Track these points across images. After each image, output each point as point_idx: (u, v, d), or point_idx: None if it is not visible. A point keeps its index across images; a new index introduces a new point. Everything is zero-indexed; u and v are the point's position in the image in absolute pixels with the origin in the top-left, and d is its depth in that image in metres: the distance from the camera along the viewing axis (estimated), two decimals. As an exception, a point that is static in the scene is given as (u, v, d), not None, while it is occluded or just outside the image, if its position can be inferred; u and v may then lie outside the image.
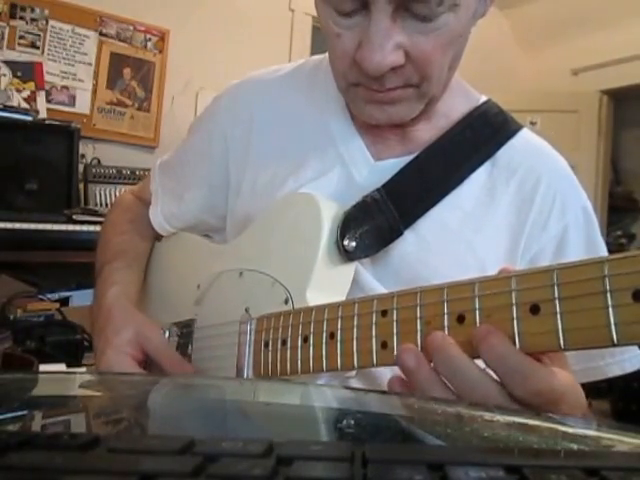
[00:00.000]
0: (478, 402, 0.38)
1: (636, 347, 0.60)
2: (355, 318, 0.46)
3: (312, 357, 0.50)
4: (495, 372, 0.38)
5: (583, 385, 0.54)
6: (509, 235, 0.63)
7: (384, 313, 0.44)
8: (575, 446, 0.25)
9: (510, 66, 3.63)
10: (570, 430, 0.28)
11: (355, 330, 0.46)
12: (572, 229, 0.63)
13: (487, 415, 0.31)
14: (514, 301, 0.37)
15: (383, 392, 0.45)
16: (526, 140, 0.66)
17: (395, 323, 0.43)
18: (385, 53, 0.50)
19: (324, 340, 0.49)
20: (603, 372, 0.60)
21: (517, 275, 0.38)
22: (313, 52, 3.00)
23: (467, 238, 0.62)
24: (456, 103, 0.66)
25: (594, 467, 0.18)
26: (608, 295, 0.33)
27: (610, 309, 0.33)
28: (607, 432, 0.27)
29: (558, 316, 0.35)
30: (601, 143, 3.43)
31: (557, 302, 0.35)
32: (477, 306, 0.39)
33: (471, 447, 0.24)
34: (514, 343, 0.37)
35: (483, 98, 0.68)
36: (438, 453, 0.21)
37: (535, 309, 0.36)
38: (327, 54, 0.71)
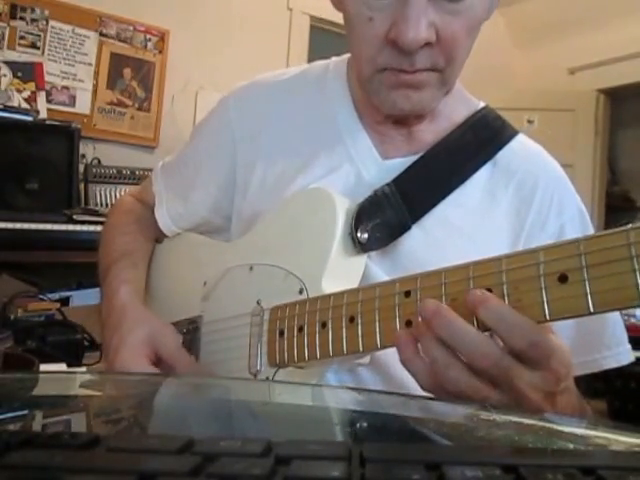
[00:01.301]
0: (479, 361, 0.39)
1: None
2: (376, 301, 0.47)
3: (331, 341, 0.50)
4: (495, 331, 0.40)
5: (580, 385, 0.55)
6: (509, 234, 0.65)
7: (407, 294, 0.45)
8: (571, 445, 0.25)
9: (506, 65, 3.62)
10: (566, 429, 0.28)
11: (377, 312, 0.46)
12: (569, 227, 0.65)
13: (484, 415, 0.31)
14: (542, 272, 0.38)
15: (381, 392, 0.45)
16: (523, 144, 0.69)
17: (419, 303, 0.43)
18: (420, 29, 0.54)
19: (344, 324, 0.49)
20: (600, 365, 0.62)
21: (543, 248, 0.39)
22: (311, 51, 3.00)
23: (470, 234, 0.64)
24: (457, 107, 0.69)
25: (590, 466, 0.18)
26: (634, 260, 0.34)
27: (637, 272, 0.34)
28: (603, 431, 0.27)
29: (586, 282, 0.36)
30: (598, 142, 3.42)
31: (585, 270, 0.36)
32: (504, 280, 0.40)
33: (468, 446, 0.24)
34: (542, 311, 0.38)
35: (481, 104, 0.71)
36: (435, 452, 0.21)
37: (563, 278, 0.37)
38: (332, 60, 0.75)
